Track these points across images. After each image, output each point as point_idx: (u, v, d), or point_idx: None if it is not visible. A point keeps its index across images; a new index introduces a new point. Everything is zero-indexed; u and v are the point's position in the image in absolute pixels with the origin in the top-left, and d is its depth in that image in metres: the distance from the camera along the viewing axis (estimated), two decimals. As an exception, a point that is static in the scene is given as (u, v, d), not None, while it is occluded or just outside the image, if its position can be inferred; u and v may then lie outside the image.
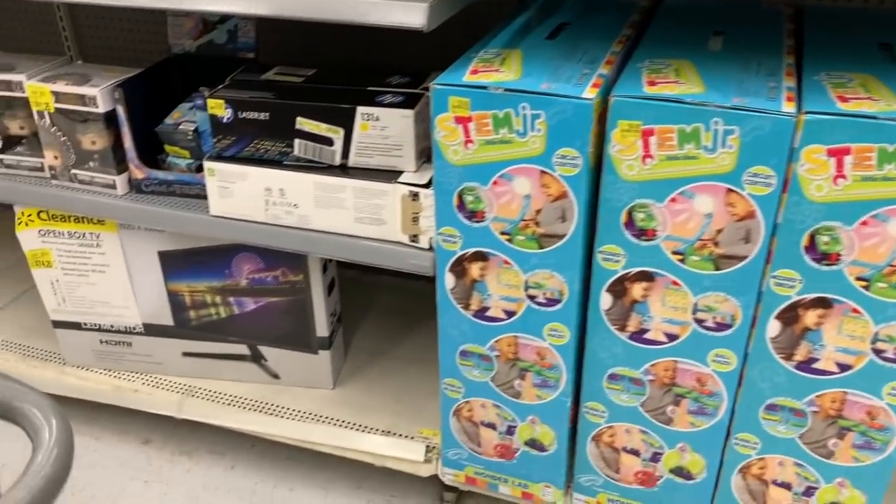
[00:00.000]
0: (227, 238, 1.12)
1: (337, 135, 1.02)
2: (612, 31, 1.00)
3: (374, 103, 1.01)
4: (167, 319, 1.31)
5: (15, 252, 1.76)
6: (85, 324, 1.34)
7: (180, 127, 1.13)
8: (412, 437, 1.23)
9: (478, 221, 0.91)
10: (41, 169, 1.22)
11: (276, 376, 1.34)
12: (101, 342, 1.36)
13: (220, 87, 1.08)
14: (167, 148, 1.16)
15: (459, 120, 0.86)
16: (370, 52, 1.43)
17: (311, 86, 1.08)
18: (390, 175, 1.02)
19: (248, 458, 1.39)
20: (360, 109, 1.00)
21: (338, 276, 1.29)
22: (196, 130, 1.11)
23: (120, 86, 1.10)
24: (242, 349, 1.32)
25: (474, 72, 0.87)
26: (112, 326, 1.34)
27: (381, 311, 1.55)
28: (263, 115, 1.03)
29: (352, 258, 1.06)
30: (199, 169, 1.14)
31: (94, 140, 1.15)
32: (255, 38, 1.20)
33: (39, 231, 1.26)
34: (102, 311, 1.32)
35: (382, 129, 1.00)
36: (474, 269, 0.95)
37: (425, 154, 1.05)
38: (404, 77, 1.10)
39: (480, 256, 0.94)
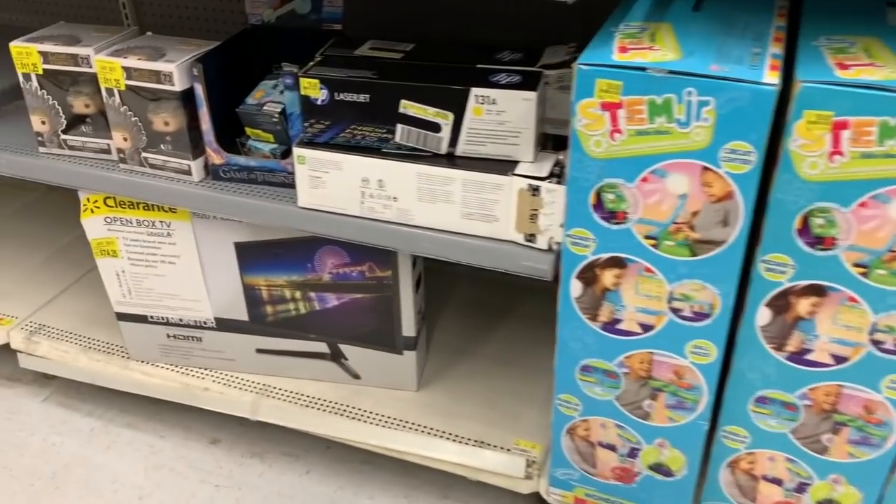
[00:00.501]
0: (316, 232, 1.01)
1: (445, 120, 0.90)
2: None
3: (488, 84, 0.89)
4: (241, 314, 1.21)
5: (68, 234, 1.67)
6: (151, 317, 1.25)
7: (265, 108, 1.01)
8: (508, 449, 1.13)
9: (617, 223, 0.79)
10: (108, 151, 1.12)
11: (356, 376, 1.24)
12: (169, 336, 1.27)
13: (312, 64, 0.96)
14: (248, 131, 1.05)
15: (607, 106, 0.74)
16: (467, 25, 1.30)
17: (414, 63, 0.96)
18: (505, 166, 0.90)
19: (323, 462, 1.30)
20: (474, 91, 0.88)
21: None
22: (283, 112, 1.00)
23: (199, 61, 0.99)
24: (322, 347, 1.22)
25: (623, 49, 0.75)
26: (181, 320, 1.24)
27: (460, 303, 1.44)
28: (363, 98, 0.92)
29: (457, 258, 0.94)
30: (285, 155, 1.03)
31: (167, 121, 1.05)
32: (342, 8, 1.08)
33: (105, 219, 1.16)
34: (171, 304, 1.22)
35: (498, 113, 0.88)
36: (607, 277, 0.83)
37: (541, 142, 0.93)
38: (515, 53, 0.97)
39: (616, 263, 0.82)
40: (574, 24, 1.22)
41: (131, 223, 1.16)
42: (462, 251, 0.94)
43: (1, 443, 1.35)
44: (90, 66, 1.06)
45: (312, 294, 1.17)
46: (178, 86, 1.00)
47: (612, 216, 0.79)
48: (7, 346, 1.39)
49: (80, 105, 1.11)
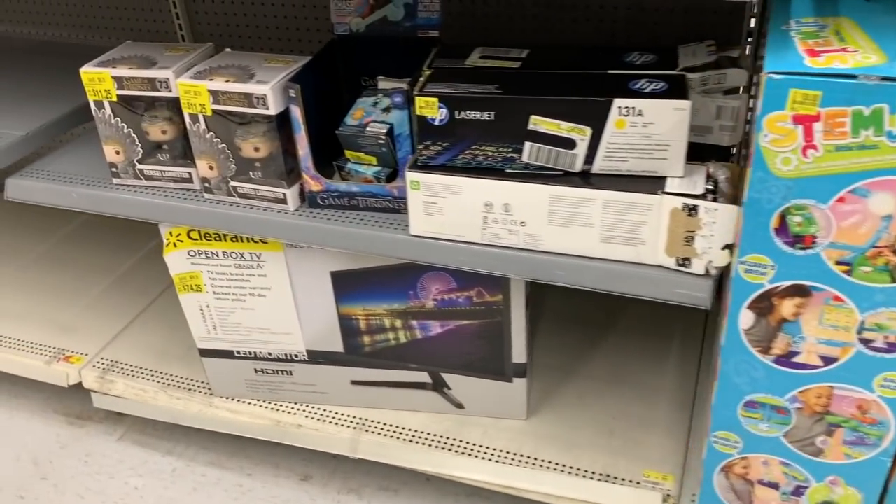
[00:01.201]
0: (430, 262, 0.92)
1: (582, 135, 0.81)
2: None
3: (632, 93, 0.79)
4: (336, 346, 1.13)
5: (124, 261, 1.60)
6: (238, 352, 1.17)
7: (368, 129, 0.92)
8: (638, 482, 1.04)
9: (803, 248, 0.70)
10: (189, 180, 1.04)
11: (459, 406, 1.16)
12: (257, 371, 1.19)
13: (424, 80, 0.87)
14: (349, 154, 0.96)
15: (800, 119, 0.64)
16: (569, 25, 1.20)
17: (537, 73, 0.87)
18: (650, 183, 0.81)
19: (425, 496, 1.22)
20: (618, 102, 0.79)
21: (534, 291, 1.10)
22: (389, 133, 0.91)
23: (294, 80, 0.90)
24: (423, 377, 1.14)
25: (812, 53, 0.65)
26: (270, 354, 1.16)
27: (555, 319, 1.35)
28: (488, 115, 0.82)
29: (595, 286, 0.86)
30: (391, 178, 0.94)
31: (257, 146, 0.96)
32: (439, 13, 0.99)
33: (189, 252, 1.08)
34: (260, 338, 1.14)
35: (645, 125, 0.79)
36: (786, 307, 0.74)
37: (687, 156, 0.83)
38: (646, 55, 0.88)
39: (799, 291, 0.73)
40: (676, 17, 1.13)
41: (217, 256, 1.07)
42: (601, 278, 0.85)
43: (80, 487, 1.28)
44: (169, 91, 0.98)
45: (414, 322, 1.08)
46: (273, 109, 0.92)
47: (798, 240, 0.70)
48: (78, 384, 1.32)
49: (156, 132, 1.03)
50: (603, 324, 1.32)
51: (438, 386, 1.15)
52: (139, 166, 1.04)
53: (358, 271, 1.05)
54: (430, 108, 0.83)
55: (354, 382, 1.17)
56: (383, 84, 0.99)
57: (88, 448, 1.35)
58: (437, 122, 0.84)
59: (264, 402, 1.22)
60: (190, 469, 1.30)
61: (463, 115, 0.83)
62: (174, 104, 0.99)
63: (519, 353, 1.08)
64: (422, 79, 0.87)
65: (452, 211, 0.87)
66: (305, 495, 1.24)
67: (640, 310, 1.34)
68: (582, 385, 1.21)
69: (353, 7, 1.01)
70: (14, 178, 1.10)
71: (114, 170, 1.06)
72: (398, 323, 1.09)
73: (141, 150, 1.04)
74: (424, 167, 0.87)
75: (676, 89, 0.79)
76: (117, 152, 1.04)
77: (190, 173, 1.03)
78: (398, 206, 0.95)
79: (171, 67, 0.97)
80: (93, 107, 1.01)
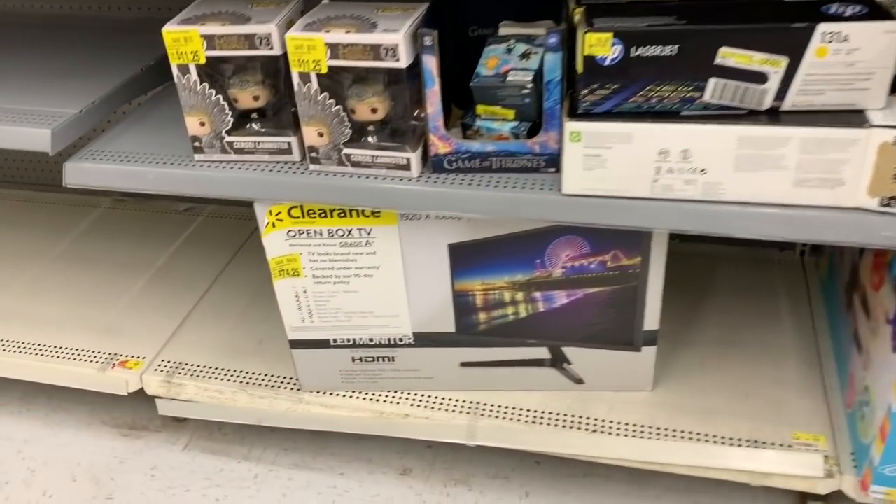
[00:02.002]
0: (584, 223, 0.83)
1: (776, 67, 0.73)
2: None
3: (831, 17, 0.72)
4: (447, 325, 1.03)
5: (160, 251, 1.46)
6: (335, 340, 1.06)
7: (510, 78, 0.83)
8: (790, 446, 0.98)
9: None
10: (288, 151, 0.92)
11: (579, 381, 1.08)
12: (354, 360, 1.08)
13: (582, 17, 0.77)
14: (480, 109, 0.86)
15: None
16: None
17: (716, 3, 0.78)
18: (850, 118, 0.74)
19: (539, 480, 1.14)
20: (821, 28, 0.71)
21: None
22: (535, 80, 0.82)
23: (424, 25, 0.80)
24: (541, 353, 1.05)
25: None
26: (371, 340, 1.06)
27: (647, 282, 1.28)
28: (670, 50, 0.74)
29: (785, 235, 0.78)
30: (531, 134, 0.85)
31: (374, 107, 0.85)
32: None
33: (289, 232, 0.97)
34: (361, 323, 1.04)
35: (849, 52, 0.72)
36: None
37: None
38: (817, -20, 0.80)
39: None
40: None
41: (320, 235, 0.96)
42: (793, 227, 0.77)
43: (152, 504, 1.16)
44: (270, 48, 0.86)
45: (537, 294, 0.99)
46: (404, 61, 0.81)
47: None
48: (139, 392, 1.19)
49: (246, 98, 0.91)
50: (706, 286, 1.26)
51: (557, 361, 1.06)
52: (228, 138, 0.93)
53: (478, 242, 0.96)
54: (602, 46, 0.74)
55: (464, 364, 1.07)
56: (507, 31, 0.89)
57: (152, 461, 1.23)
58: (607, 63, 0.75)
59: (361, 393, 1.11)
60: (274, 474, 1.19)
61: (640, 51, 0.74)
62: (269, 65, 0.88)
63: (652, 320, 1.00)
64: (577, 17, 0.78)
65: (619, 163, 0.79)
66: (410, 491, 1.14)
67: (738, 268, 1.28)
68: (700, 351, 1.14)
69: (463, -53, 0.91)
70: (74, 162, 0.97)
71: (197, 144, 0.93)
72: (519, 296, 1.00)
73: (231, 120, 0.92)
74: (588, 115, 0.78)
75: (878, 12, 0.72)
76: (202, 124, 0.92)
77: (289, 143, 0.92)
78: (537, 165, 0.86)
79: (270, 22, 0.86)
80: (175, 72, 0.89)
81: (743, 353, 1.12)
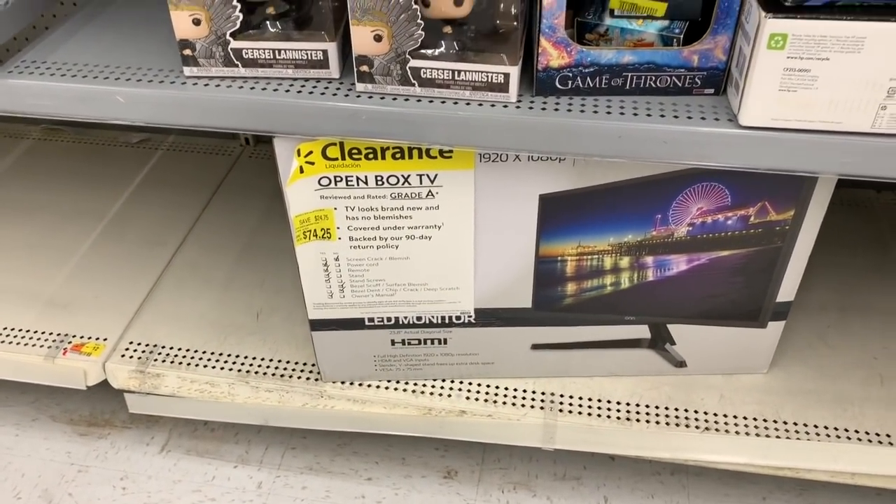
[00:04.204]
0: (766, 168, 0.59)
1: None
2: None
3: None
4: (522, 300, 0.79)
5: (108, 200, 1.16)
6: (371, 319, 0.81)
7: (672, -46, 0.57)
8: (955, 444, 0.79)
9: None
10: (322, 64, 0.64)
11: (680, 364, 0.85)
12: (394, 343, 0.83)
13: None
14: (615, 0, 0.60)
15: None
16: None
17: None
18: None
19: (618, 481, 0.92)
20: None
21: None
22: (714, -43, 0.56)
23: None
24: (640, 331, 0.82)
25: None
26: (419, 319, 0.80)
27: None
28: None
29: None
30: (687, 39, 0.60)
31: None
32: None
33: (321, 180, 0.69)
34: (409, 297, 0.78)
35: None
36: None
37: None
38: None
39: None
40: None
41: (364, 184, 0.69)
42: None
43: (125, 527, 0.90)
44: None
45: (649, 259, 0.75)
46: (521, -77, 0.54)
47: None
48: (101, 384, 0.91)
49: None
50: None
51: (659, 342, 0.83)
52: (234, 44, 0.64)
53: (580, 193, 0.70)
54: None
55: (536, 347, 0.84)
56: None
57: (122, 467, 0.96)
58: (848, -72, 0.50)
59: (398, 383, 0.87)
60: (282, 481, 0.94)
61: (904, -90, 0.49)
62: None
63: (789, 289, 0.78)
64: None
65: (834, 83, 0.54)
66: (458, 498, 0.91)
67: (839, 218, 1.07)
68: (817, 320, 0.93)
69: None
70: (5, 78, 0.67)
71: (187, 52, 0.64)
72: (624, 262, 0.76)
73: (239, 16, 0.63)
74: (798, 10, 0.53)
75: None
76: (196, 21, 0.63)
77: (325, 52, 0.64)
78: (691, 86, 0.61)
79: None
80: (156, -59, 0.59)
81: (869, 321, 0.92)
